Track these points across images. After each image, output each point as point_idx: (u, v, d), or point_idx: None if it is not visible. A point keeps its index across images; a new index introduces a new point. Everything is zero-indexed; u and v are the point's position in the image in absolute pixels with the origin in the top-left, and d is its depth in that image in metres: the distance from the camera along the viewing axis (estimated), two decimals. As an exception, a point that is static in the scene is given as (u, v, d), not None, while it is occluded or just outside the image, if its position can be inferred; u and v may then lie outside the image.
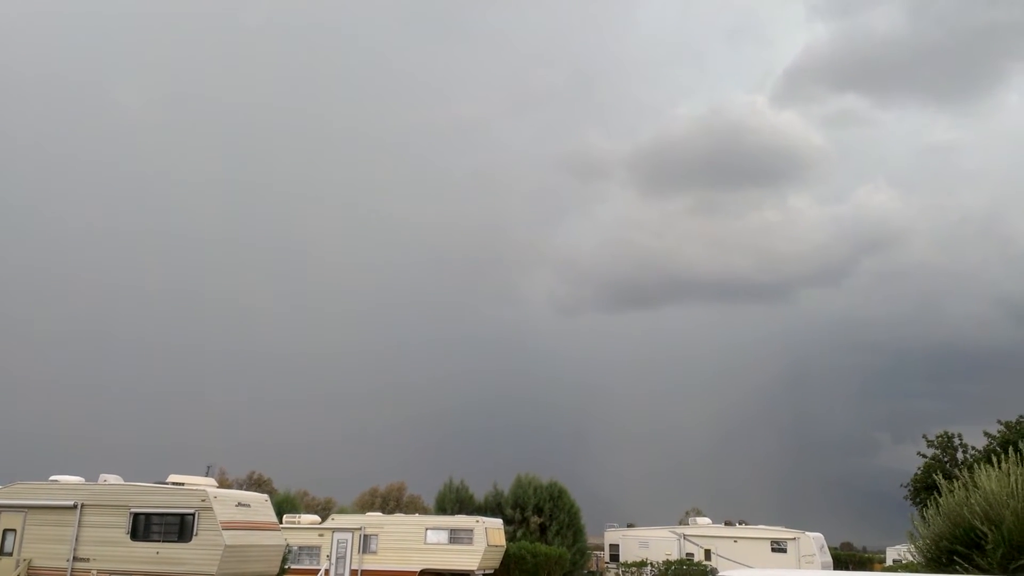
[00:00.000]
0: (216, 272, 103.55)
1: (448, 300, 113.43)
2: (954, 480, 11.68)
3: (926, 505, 12.12)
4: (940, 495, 11.60)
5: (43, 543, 21.26)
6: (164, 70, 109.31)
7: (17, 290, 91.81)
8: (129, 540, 20.63)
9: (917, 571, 11.93)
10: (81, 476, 22.72)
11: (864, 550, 69.37)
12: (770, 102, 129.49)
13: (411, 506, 51.17)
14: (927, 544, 11.64)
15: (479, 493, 44.81)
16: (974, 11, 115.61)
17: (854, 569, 51.77)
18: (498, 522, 34.66)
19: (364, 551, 32.73)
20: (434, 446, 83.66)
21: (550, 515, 43.07)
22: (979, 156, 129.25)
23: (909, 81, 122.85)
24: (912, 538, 11.91)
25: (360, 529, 33.05)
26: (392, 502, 51.89)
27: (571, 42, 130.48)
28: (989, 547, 10.35)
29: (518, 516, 42.52)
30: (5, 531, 21.65)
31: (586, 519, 45.32)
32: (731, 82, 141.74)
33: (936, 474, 16.43)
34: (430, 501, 48.69)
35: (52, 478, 22.56)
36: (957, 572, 10.47)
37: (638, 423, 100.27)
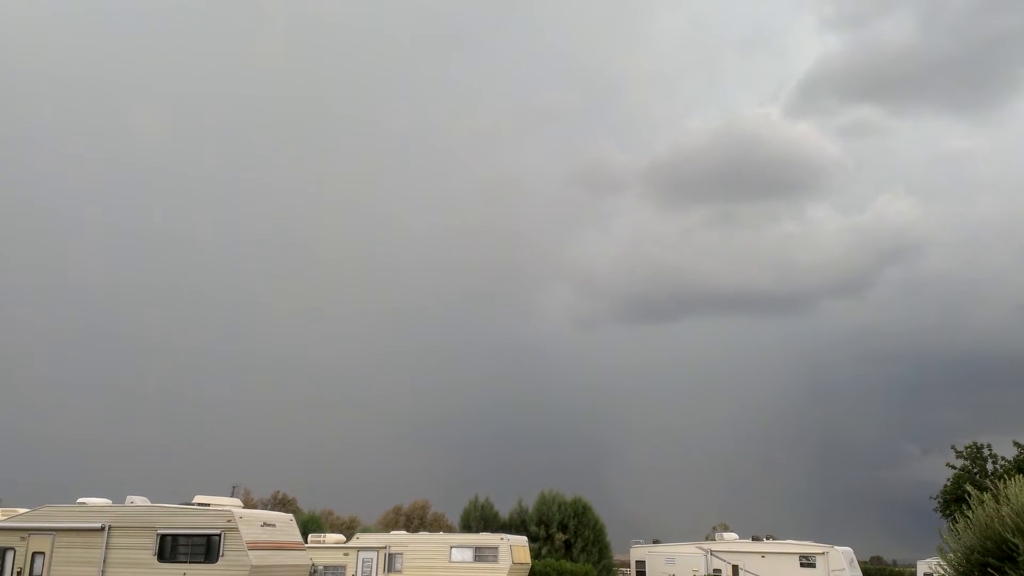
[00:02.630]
0: (234, 277, 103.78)
1: (463, 314, 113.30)
2: (984, 491, 11.53)
3: (955, 518, 11.97)
4: (970, 507, 11.46)
5: (71, 565, 21.44)
6: (171, 71, 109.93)
7: (33, 304, 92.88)
8: (156, 562, 20.76)
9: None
10: (108, 498, 22.95)
11: (894, 564, 68.42)
12: (784, 113, 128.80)
13: (435, 524, 51.15)
14: (958, 558, 11.50)
15: (504, 510, 44.78)
16: (985, 19, 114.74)
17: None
18: (523, 539, 34.58)
19: (389, 570, 32.73)
20: (456, 459, 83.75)
21: (575, 532, 42.87)
22: (996, 163, 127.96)
23: (923, 90, 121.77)
24: (941, 552, 11.76)
25: (385, 548, 33.08)
26: (416, 520, 51.90)
27: (585, 56, 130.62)
28: (1021, 558, 10.23)
29: (543, 533, 42.37)
30: (34, 554, 21.87)
31: (611, 535, 45.15)
32: (744, 94, 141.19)
33: (977, 479, 16.27)
34: (454, 519, 48.75)
35: (80, 500, 22.82)
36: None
37: (661, 437, 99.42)
